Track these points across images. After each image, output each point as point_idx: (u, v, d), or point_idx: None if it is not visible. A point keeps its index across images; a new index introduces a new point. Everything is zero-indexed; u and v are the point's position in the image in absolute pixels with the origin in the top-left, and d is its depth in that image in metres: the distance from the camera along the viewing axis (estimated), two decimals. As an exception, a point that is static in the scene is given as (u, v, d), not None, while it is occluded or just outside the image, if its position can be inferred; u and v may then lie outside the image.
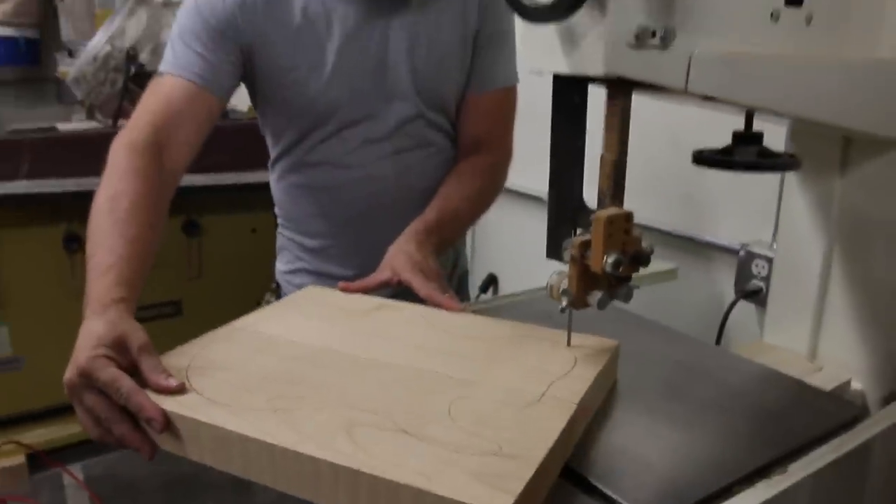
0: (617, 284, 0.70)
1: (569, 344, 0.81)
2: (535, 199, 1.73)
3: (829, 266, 0.97)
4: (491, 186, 1.23)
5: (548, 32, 0.64)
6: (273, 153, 1.25)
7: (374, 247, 1.09)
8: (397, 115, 1.16)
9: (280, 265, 1.34)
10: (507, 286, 2.05)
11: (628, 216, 0.67)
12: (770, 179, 1.22)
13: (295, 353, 0.79)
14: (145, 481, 0.93)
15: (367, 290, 1.00)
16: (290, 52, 1.10)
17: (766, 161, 0.78)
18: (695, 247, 1.49)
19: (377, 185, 1.19)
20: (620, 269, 0.66)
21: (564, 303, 0.71)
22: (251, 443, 0.62)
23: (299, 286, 1.26)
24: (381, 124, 1.16)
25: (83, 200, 2.09)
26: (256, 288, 1.44)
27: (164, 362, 0.74)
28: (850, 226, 0.95)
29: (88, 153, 2.15)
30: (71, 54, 3.99)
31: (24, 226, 2.13)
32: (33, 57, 4.95)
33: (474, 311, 0.95)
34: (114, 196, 0.91)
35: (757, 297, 1.30)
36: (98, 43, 2.63)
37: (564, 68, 0.64)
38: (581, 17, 0.60)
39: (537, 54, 0.66)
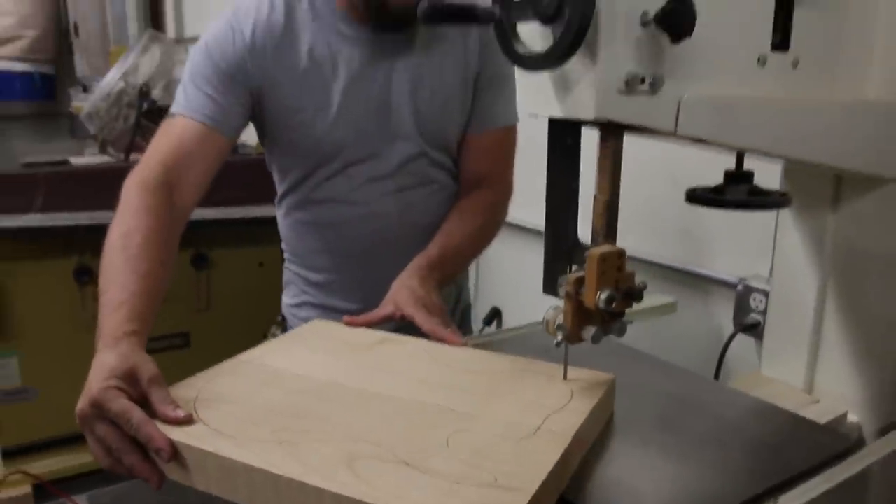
0: (611, 320, 0.72)
1: (565, 377, 0.82)
2: (537, 233, 1.75)
3: (824, 300, 0.99)
4: (492, 223, 1.26)
5: (543, 79, 0.67)
6: (280, 190, 1.29)
7: (378, 281, 1.12)
8: (400, 154, 1.20)
9: (286, 299, 1.36)
10: (510, 319, 2.07)
11: (621, 254, 0.70)
12: (766, 214, 1.24)
13: (300, 386, 0.82)
14: (151, 512, 0.95)
15: (371, 325, 1.02)
16: (296, 93, 1.14)
17: (756, 199, 0.80)
18: (694, 281, 1.51)
19: (381, 221, 1.22)
20: (613, 305, 0.69)
21: (560, 337, 0.73)
22: (256, 473, 0.64)
23: (305, 319, 1.29)
24: (385, 163, 1.19)
25: (95, 234, 2.13)
26: (263, 321, 1.47)
27: (172, 394, 0.76)
28: (844, 260, 0.97)
29: (101, 187, 2.20)
30: (85, 90, 4.08)
31: (37, 258, 2.17)
32: (48, 92, 5.06)
33: (476, 345, 0.98)
34: (126, 233, 0.95)
35: (755, 330, 1.31)
36: (112, 79, 2.70)
37: (558, 112, 0.67)
38: (573, 65, 0.63)
39: (533, 99, 0.69)
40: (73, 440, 2.21)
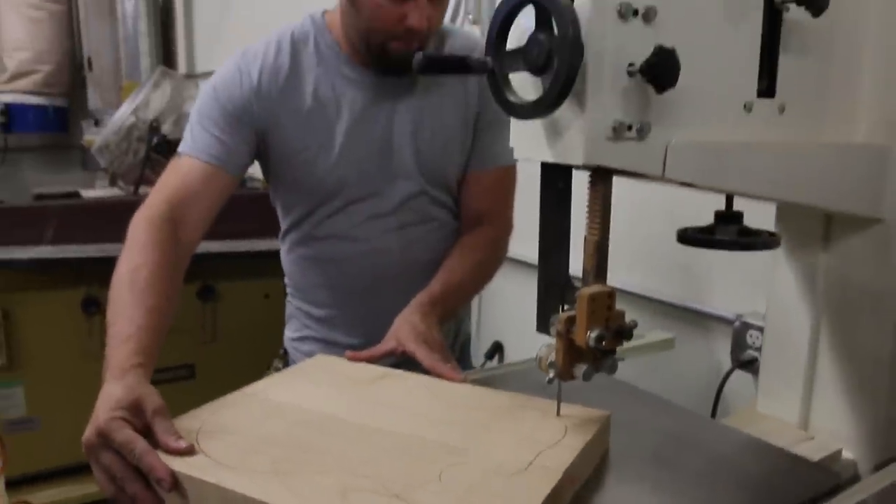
0: (602, 357, 0.74)
1: (558, 414, 0.84)
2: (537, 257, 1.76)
3: (818, 337, 1.00)
4: (493, 259, 1.28)
5: (534, 125, 0.69)
6: (283, 226, 1.32)
7: (379, 316, 1.14)
8: (401, 192, 1.23)
9: (288, 332, 1.39)
10: (512, 353, 2.08)
11: (611, 293, 0.72)
12: (762, 252, 1.26)
13: (301, 418, 0.84)
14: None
15: (373, 360, 1.04)
16: (300, 133, 1.18)
17: (745, 240, 0.82)
18: (692, 317, 1.53)
19: (382, 257, 1.25)
20: (604, 343, 0.70)
21: (551, 375, 0.75)
22: (253, 503, 0.66)
23: (307, 353, 1.31)
24: (386, 201, 1.22)
25: (104, 265, 2.16)
26: (268, 353, 1.49)
27: (176, 425, 0.79)
28: (836, 298, 0.98)
29: (110, 220, 2.23)
30: (97, 123, 4.16)
31: (46, 289, 2.19)
32: (61, 124, 5.15)
33: (475, 381, 0.99)
34: (134, 268, 0.99)
35: (752, 366, 1.32)
36: (123, 114, 2.76)
37: (549, 158, 0.69)
38: (563, 113, 0.66)
39: (525, 144, 0.71)
40: (76, 470, 2.21)
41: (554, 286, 0.75)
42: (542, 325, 0.76)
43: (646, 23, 0.66)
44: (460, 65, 0.69)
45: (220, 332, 2.35)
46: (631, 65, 0.65)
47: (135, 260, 1.01)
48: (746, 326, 1.35)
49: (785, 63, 0.79)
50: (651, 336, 1.37)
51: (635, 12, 0.65)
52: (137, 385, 0.82)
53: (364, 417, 0.84)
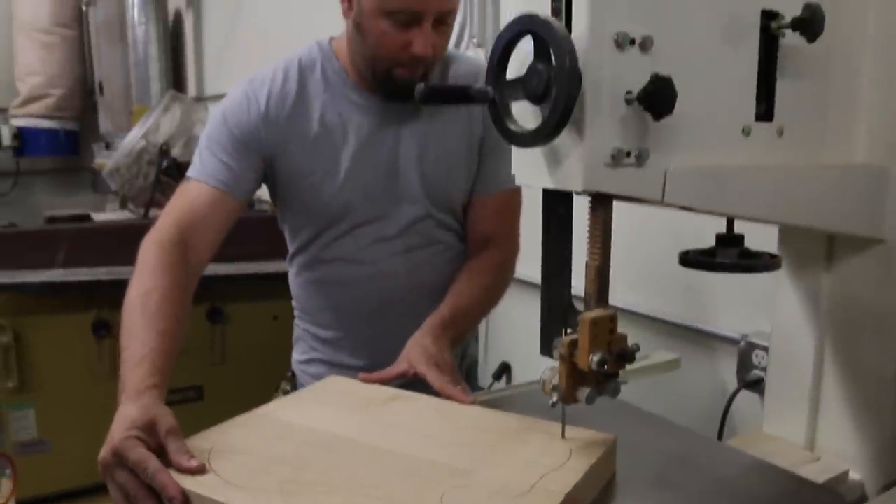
0: (605, 381, 0.75)
1: (563, 436, 0.85)
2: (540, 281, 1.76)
3: (822, 357, 1.00)
4: (500, 281, 1.29)
5: (535, 152, 0.70)
6: (291, 249, 1.34)
7: (385, 339, 1.15)
8: (407, 216, 1.24)
9: (296, 355, 1.40)
10: (519, 373, 2.09)
11: (612, 317, 0.72)
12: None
13: (310, 439, 0.85)
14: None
15: (385, 381, 1.06)
16: (307, 158, 1.20)
17: (746, 263, 0.83)
18: (697, 337, 1.53)
19: (388, 280, 1.26)
20: (606, 367, 0.71)
21: (555, 398, 0.75)
22: None
23: (314, 375, 1.33)
24: (392, 224, 1.24)
25: (114, 289, 2.17)
26: (276, 374, 1.50)
27: (189, 444, 0.81)
28: (839, 318, 0.98)
29: (120, 243, 2.26)
30: (108, 146, 4.21)
31: (57, 312, 2.21)
32: (73, 148, 5.22)
33: (482, 402, 1.00)
34: (145, 292, 1.02)
35: (758, 386, 1.32)
36: (134, 138, 2.79)
37: (549, 184, 0.70)
38: (562, 140, 0.67)
39: (526, 171, 0.73)
40: (87, 492, 2.22)
41: (556, 310, 0.76)
42: (546, 349, 0.77)
43: (643, 52, 0.67)
44: (462, 95, 0.70)
45: (229, 354, 2.37)
46: (628, 93, 0.66)
47: (145, 284, 1.03)
48: (752, 346, 1.35)
49: (782, 87, 0.80)
50: (657, 357, 1.38)
51: (632, 42, 0.66)
52: (152, 406, 0.85)
53: (373, 438, 0.85)
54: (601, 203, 0.71)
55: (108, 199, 3.96)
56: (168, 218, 1.14)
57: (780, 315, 1.04)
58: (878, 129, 0.90)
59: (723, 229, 0.84)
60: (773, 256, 0.86)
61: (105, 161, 3.22)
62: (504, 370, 2.12)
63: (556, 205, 0.74)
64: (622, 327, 0.74)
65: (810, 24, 0.76)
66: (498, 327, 2.10)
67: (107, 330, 2.20)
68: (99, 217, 2.96)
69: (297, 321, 1.39)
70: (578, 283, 0.76)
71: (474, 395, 1.02)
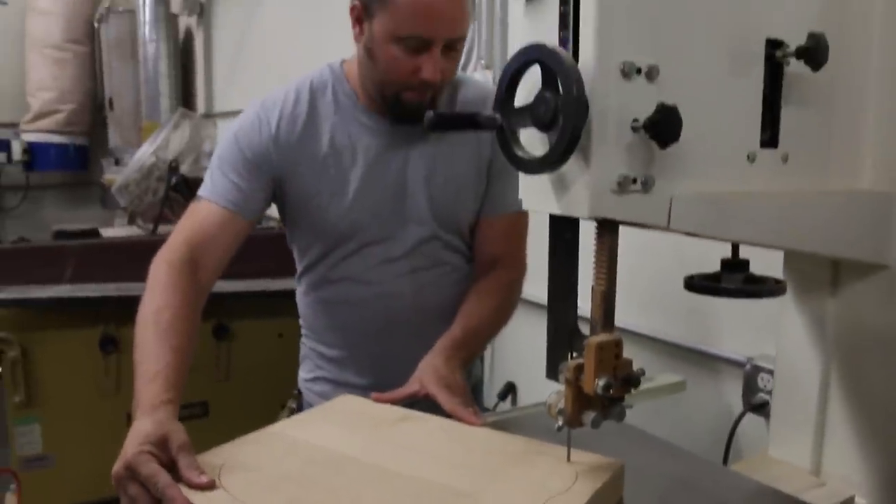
0: (610, 405, 0.75)
1: (568, 460, 0.85)
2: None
3: (828, 382, 1.00)
4: (509, 302, 1.30)
5: (542, 178, 0.71)
6: (299, 268, 1.35)
7: (390, 359, 1.16)
8: (414, 236, 1.25)
9: (302, 373, 1.41)
10: (524, 393, 2.08)
11: (618, 342, 0.73)
12: (770, 296, 1.26)
13: (318, 458, 0.86)
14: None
15: (396, 401, 1.07)
16: (315, 179, 1.22)
17: (751, 288, 0.83)
18: (702, 359, 1.53)
19: (395, 301, 1.27)
20: (611, 391, 0.72)
21: (560, 422, 0.76)
22: None
23: (319, 393, 1.34)
24: (399, 245, 1.25)
25: (121, 305, 2.18)
26: (281, 391, 1.51)
27: (201, 460, 0.83)
28: (845, 343, 0.98)
29: (128, 259, 2.28)
30: (117, 162, 4.25)
31: (64, 327, 2.22)
32: (82, 162, 5.26)
33: (491, 423, 1.01)
34: (157, 310, 1.05)
35: (764, 410, 1.32)
36: (144, 154, 2.82)
37: (556, 210, 0.71)
38: (569, 167, 0.68)
39: (533, 196, 0.74)
40: (91, 508, 2.22)
41: (562, 334, 0.76)
42: (552, 373, 0.77)
43: (649, 81, 0.68)
44: (470, 122, 0.71)
45: (234, 371, 2.37)
46: (635, 121, 0.67)
47: (157, 302, 1.06)
48: (757, 370, 1.35)
49: (787, 114, 0.81)
50: (662, 379, 1.38)
51: (638, 71, 0.67)
52: (166, 421, 0.88)
53: (380, 459, 0.86)
54: (607, 229, 0.72)
55: (116, 215, 3.99)
56: (179, 237, 1.16)
57: (786, 339, 1.05)
58: (882, 155, 0.91)
59: (728, 252, 0.84)
60: (778, 282, 0.86)
61: (114, 176, 3.25)
62: (509, 390, 2.12)
63: (563, 230, 0.75)
64: (626, 348, 0.75)
65: (815, 53, 0.77)
66: (503, 347, 2.11)
67: (114, 345, 2.21)
68: (107, 233, 2.98)
69: (303, 339, 1.40)
70: (584, 305, 0.77)
71: (484, 418, 1.02)
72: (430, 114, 0.73)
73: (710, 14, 0.73)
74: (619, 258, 0.73)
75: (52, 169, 5.17)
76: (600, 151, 0.66)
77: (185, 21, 4.85)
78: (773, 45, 0.78)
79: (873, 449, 0.97)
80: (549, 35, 0.69)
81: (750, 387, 1.36)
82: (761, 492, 0.92)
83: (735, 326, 1.47)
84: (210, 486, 0.79)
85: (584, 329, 0.77)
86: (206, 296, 1.17)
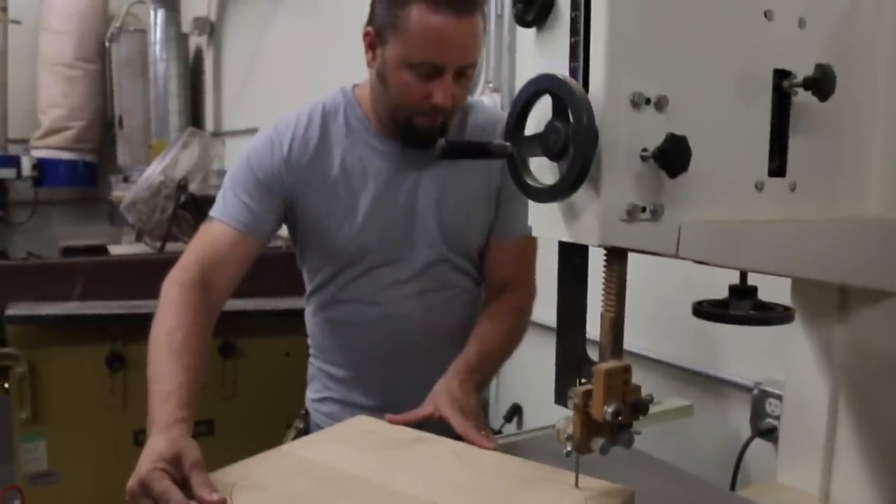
0: (619, 431, 0.75)
1: (577, 485, 0.85)
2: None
3: (836, 408, 1.00)
4: (519, 325, 1.31)
5: (552, 206, 0.72)
6: (308, 288, 1.36)
7: (398, 380, 1.18)
8: (423, 259, 1.26)
9: (310, 393, 1.41)
10: (530, 415, 2.08)
11: (627, 368, 0.73)
12: (779, 319, 1.27)
13: (328, 478, 0.87)
14: None
15: (410, 423, 1.07)
16: (326, 201, 1.23)
17: (759, 315, 0.83)
18: (710, 383, 1.53)
19: (403, 323, 1.28)
20: (620, 418, 0.72)
21: (569, 448, 0.76)
22: None
23: (326, 414, 1.35)
24: (408, 267, 1.26)
25: (129, 322, 2.18)
26: (287, 410, 1.51)
27: (214, 478, 0.85)
28: (853, 369, 0.98)
29: (136, 277, 2.29)
30: (126, 179, 4.27)
31: (71, 344, 2.22)
32: (91, 179, 5.30)
33: (501, 446, 1.02)
34: (170, 330, 1.07)
35: (772, 435, 1.32)
36: (153, 173, 2.84)
37: (566, 237, 0.72)
38: (579, 195, 0.69)
39: (543, 224, 0.74)
40: (95, 526, 2.21)
41: (571, 359, 0.77)
42: (560, 398, 0.77)
43: (658, 111, 0.69)
44: (481, 151, 0.72)
45: (240, 389, 2.37)
46: (644, 150, 0.68)
47: (169, 322, 1.08)
48: (765, 394, 1.35)
49: (795, 143, 0.82)
50: (669, 403, 1.38)
51: (647, 101, 0.68)
52: (180, 439, 0.90)
53: (391, 480, 0.87)
54: (616, 256, 0.72)
55: (124, 232, 4.01)
56: (190, 257, 1.18)
57: (794, 365, 1.05)
58: (890, 183, 0.91)
59: (735, 275, 0.85)
60: (786, 309, 0.86)
61: (122, 193, 3.27)
62: (515, 412, 2.12)
63: (572, 256, 0.76)
64: (633, 372, 0.75)
65: (822, 84, 0.78)
66: (510, 369, 2.10)
67: (120, 363, 2.21)
68: (115, 250, 3.00)
69: (311, 359, 1.41)
70: (592, 329, 0.77)
71: (496, 441, 1.03)
72: (441, 142, 0.74)
73: (718, 45, 0.74)
74: (626, 282, 0.74)
75: (61, 185, 5.21)
76: (610, 180, 0.67)
77: (196, 41, 4.90)
78: (781, 76, 0.78)
79: (882, 475, 0.97)
80: (559, 64, 0.70)
81: (758, 412, 1.36)
82: (769, 519, 0.91)
83: (743, 351, 1.47)
84: None
85: (593, 354, 0.77)
86: (217, 314, 1.18)
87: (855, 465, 0.99)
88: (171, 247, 2.67)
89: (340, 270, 1.27)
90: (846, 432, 1.00)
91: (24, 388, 2.16)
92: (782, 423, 1.08)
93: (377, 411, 1.14)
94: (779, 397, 1.32)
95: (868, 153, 0.91)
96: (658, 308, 1.58)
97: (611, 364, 0.73)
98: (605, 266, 0.73)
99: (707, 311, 0.84)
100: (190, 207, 2.70)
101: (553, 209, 0.72)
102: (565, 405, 0.77)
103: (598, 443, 0.75)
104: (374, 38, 1.16)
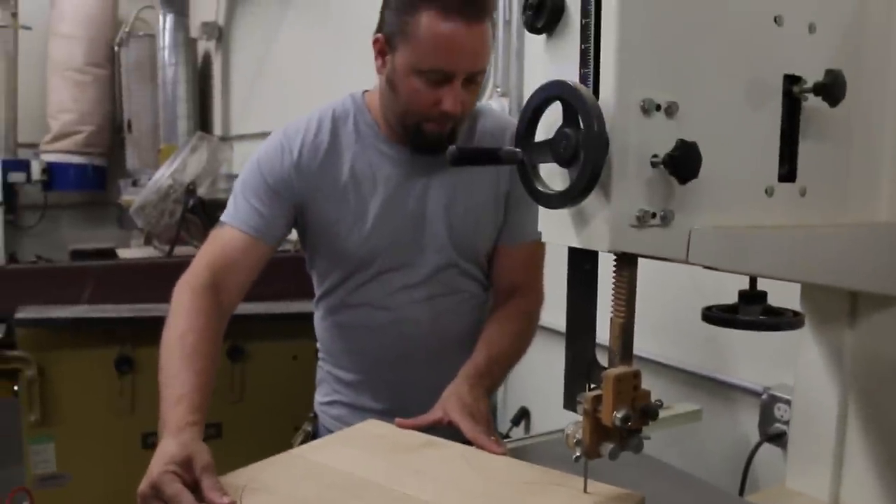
0: (628, 436, 0.75)
1: (585, 490, 0.85)
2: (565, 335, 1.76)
3: (846, 413, 1.00)
4: (528, 330, 1.31)
5: (562, 212, 0.72)
6: (318, 292, 1.36)
7: (406, 384, 1.18)
8: (432, 264, 1.26)
9: (318, 396, 1.42)
10: (538, 419, 2.08)
11: (636, 374, 0.73)
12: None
13: (337, 482, 0.88)
14: None
15: (419, 428, 1.08)
16: (336, 206, 1.23)
17: (769, 320, 0.83)
18: (718, 388, 1.52)
19: (411, 327, 1.28)
20: (629, 424, 0.72)
21: (578, 452, 0.76)
22: None
23: (335, 417, 1.36)
24: (417, 272, 1.26)
25: (137, 326, 2.19)
26: (295, 414, 1.51)
27: (225, 481, 0.86)
28: (863, 374, 0.98)
29: (145, 280, 2.30)
30: (135, 183, 4.30)
31: (80, 347, 2.23)
32: (100, 183, 5.32)
33: (512, 449, 1.02)
34: (181, 334, 1.08)
35: (781, 440, 1.31)
36: (161, 177, 2.85)
37: (576, 243, 0.72)
38: (589, 202, 0.69)
39: (553, 230, 0.75)
40: (103, 528, 2.22)
41: (581, 365, 0.77)
42: (570, 403, 0.78)
43: (668, 117, 0.69)
44: (491, 157, 0.73)
45: (248, 393, 2.37)
46: (654, 156, 0.68)
47: (181, 326, 1.09)
48: (774, 399, 1.35)
49: (805, 148, 0.82)
50: (678, 407, 1.37)
51: (658, 107, 0.69)
52: (191, 442, 0.91)
53: (398, 484, 0.87)
54: (626, 262, 0.73)
55: (132, 235, 4.03)
56: (201, 261, 1.19)
57: (803, 370, 1.05)
58: (900, 187, 0.91)
59: (745, 280, 0.85)
60: (796, 314, 0.87)
61: (132, 197, 3.29)
62: (523, 415, 2.11)
63: (582, 261, 0.76)
64: (642, 376, 0.75)
65: (832, 89, 0.78)
66: (518, 373, 2.10)
67: (129, 366, 2.22)
68: (124, 254, 3.01)
69: (320, 363, 1.41)
70: (602, 334, 0.77)
71: (505, 446, 1.03)
72: (452, 149, 0.74)
73: (728, 51, 0.74)
74: (636, 287, 0.74)
75: (70, 189, 5.23)
76: (620, 186, 0.68)
77: (204, 45, 4.92)
78: (791, 81, 0.79)
79: (892, 481, 0.97)
80: (569, 71, 0.70)
81: (766, 416, 1.35)
82: (779, 525, 0.91)
83: (751, 355, 1.47)
84: None
85: (602, 359, 0.77)
86: (227, 318, 1.19)
87: (865, 471, 0.98)
88: (179, 250, 2.69)
89: (350, 275, 1.28)
90: (856, 438, 0.99)
91: (34, 391, 2.17)
92: (791, 428, 1.07)
93: (385, 415, 1.15)
94: (788, 402, 1.32)
95: (879, 158, 0.91)
96: (667, 313, 1.58)
97: (620, 369, 0.73)
98: (615, 272, 0.74)
99: (716, 316, 0.84)
100: (198, 211, 2.71)
101: (563, 215, 0.72)
102: (574, 410, 0.77)
103: (607, 448, 0.75)
104: (384, 45, 1.16)
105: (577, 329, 0.77)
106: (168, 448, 0.89)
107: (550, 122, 0.71)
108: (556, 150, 0.68)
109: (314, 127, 1.25)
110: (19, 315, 2.12)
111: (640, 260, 0.74)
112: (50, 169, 5.06)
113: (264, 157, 1.24)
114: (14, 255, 4.69)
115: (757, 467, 1.36)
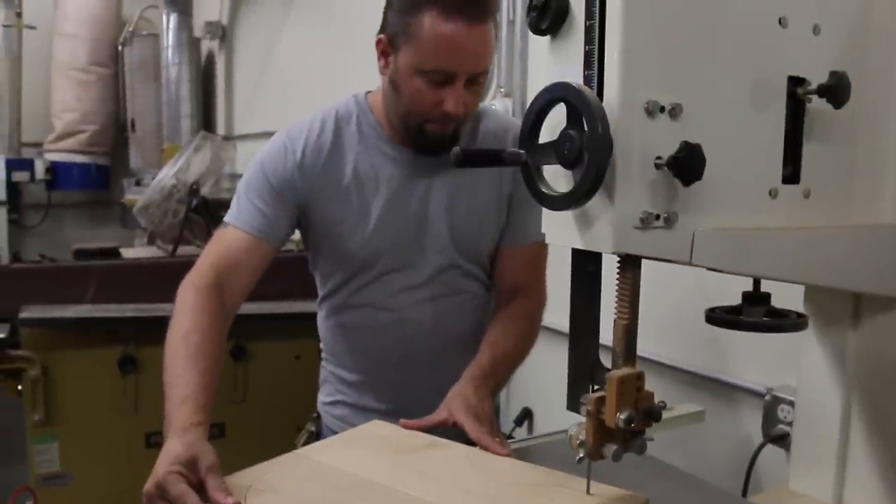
0: (631, 437, 0.75)
1: (588, 492, 0.85)
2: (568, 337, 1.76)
3: (849, 414, 1.00)
4: (531, 331, 1.31)
5: (565, 213, 0.72)
6: (321, 293, 1.37)
7: (408, 384, 1.19)
8: (434, 264, 1.27)
9: (321, 396, 1.42)
10: (541, 420, 2.08)
11: (639, 375, 0.73)
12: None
13: (341, 482, 0.88)
14: None
15: (424, 428, 1.08)
16: (339, 207, 1.24)
17: (772, 322, 0.83)
18: (722, 389, 1.52)
19: (414, 328, 1.28)
20: (633, 425, 0.72)
21: (581, 454, 0.76)
22: None
23: (338, 417, 1.36)
24: (420, 272, 1.26)
25: (141, 325, 2.19)
26: (298, 413, 1.52)
27: (230, 482, 0.87)
28: (867, 376, 0.98)
29: (149, 280, 2.30)
30: (138, 182, 4.30)
31: (84, 347, 2.24)
32: (103, 182, 5.33)
33: (515, 449, 1.03)
34: (185, 334, 1.08)
35: (784, 441, 1.31)
36: (165, 176, 2.86)
37: (579, 245, 0.72)
38: (593, 203, 0.69)
39: (557, 231, 0.75)
40: (106, 527, 2.23)
41: (584, 366, 0.77)
42: (573, 405, 0.78)
43: (672, 119, 0.69)
44: (495, 158, 0.73)
45: (251, 392, 2.38)
46: (658, 158, 0.68)
47: (185, 326, 1.10)
48: (777, 400, 1.35)
49: (809, 150, 0.82)
50: (681, 408, 1.37)
51: (662, 109, 0.69)
52: (196, 442, 0.91)
53: (402, 485, 0.87)
54: (630, 264, 0.73)
55: (136, 235, 4.04)
56: (205, 262, 1.19)
57: (807, 372, 1.05)
58: (905, 189, 0.91)
59: (748, 282, 0.85)
60: (799, 315, 0.86)
61: (135, 197, 3.30)
62: (526, 416, 2.12)
63: (586, 263, 0.76)
64: (646, 377, 0.75)
65: (836, 91, 0.78)
66: (521, 373, 2.09)
67: (133, 365, 2.22)
68: (127, 253, 3.02)
69: (323, 363, 1.42)
70: (605, 335, 0.77)
71: (509, 447, 1.04)
72: (456, 150, 0.74)
73: (732, 53, 0.74)
74: (640, 289, 0.74)
75: (73, 188, 5.24)
76: (624, 188, 0.68)
77: (208, 45, 4.93)
78: (795, 83, 0.79)
79: (896, 483, 0.97)
80: (573, 72, 0.70)
81: (770, 418, 1.35)
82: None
83: (755, 357, 1.46)
84: None
85: (606, 360, 0.78)
86: (231, 318, 1.20)
87: (868, 472, 0.98)
88: (183, 250, 2.69)
89: (352, 275, 1.28)
90: (859, 439, 0.99)
91: (38, 390, 2.17)
92: (795, 430, 1.07)
93: (388, 415, 1.15)
94: (791, 403, 1.32)
95: (883, 160, 0.91)
96: (670, 314, 1.58)
97: (624, 371, 0.73)
98: (618, 273, 0.74)
99: (720, 317, 0.84)
100: (202, 211, 2.71)
101: (567, 217, 0.72)
102: (578, 411, 0.77)
103: (610, 449, 0.75)
104: (387, 46, 1.17)
105: (581, 330, 0.77)
106: (173, 448, 0.89)
107: (554, 123, 0.71)
108: (560, 151, 0.68)
109: (317, 127, 1.25)
110: (23, 314, 2.13)
111: (643, 261, 0.74)
112: (53, 168, 5.07)
113: (267, 158, 1.24)
114: (18, 254, 4.69)
115: (760, 468, 1.36)
